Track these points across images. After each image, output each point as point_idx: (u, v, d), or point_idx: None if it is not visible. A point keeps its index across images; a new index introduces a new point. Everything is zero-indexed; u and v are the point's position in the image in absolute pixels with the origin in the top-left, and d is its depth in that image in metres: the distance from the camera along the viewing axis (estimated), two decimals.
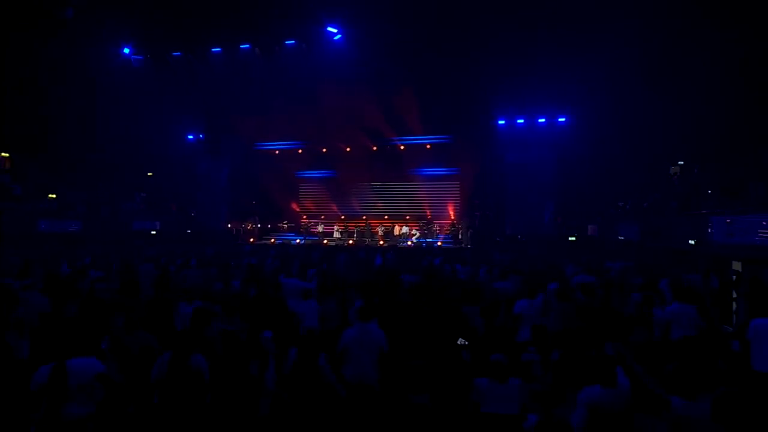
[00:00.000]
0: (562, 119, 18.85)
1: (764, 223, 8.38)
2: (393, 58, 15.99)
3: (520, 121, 19.26)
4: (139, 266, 10.48)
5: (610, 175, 18.08)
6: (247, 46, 16.50)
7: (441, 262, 12.22)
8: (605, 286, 7.97)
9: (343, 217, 21.70)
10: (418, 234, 19.67)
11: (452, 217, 21.12)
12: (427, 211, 21.34)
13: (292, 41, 16.01)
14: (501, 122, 19.38)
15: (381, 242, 18.68)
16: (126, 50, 17.21)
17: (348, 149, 20.74)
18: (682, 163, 17.51)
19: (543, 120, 19.06)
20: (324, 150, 21.00)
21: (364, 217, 20.89)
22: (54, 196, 17.14)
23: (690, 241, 10.77)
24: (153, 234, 17.87)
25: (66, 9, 13.43)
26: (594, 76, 16.48)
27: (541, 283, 7.95)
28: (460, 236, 18.84)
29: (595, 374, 3.48)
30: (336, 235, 19.68)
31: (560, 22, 16.17)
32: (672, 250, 11.44)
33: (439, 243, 18.78)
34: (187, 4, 14.54)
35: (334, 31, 15.56)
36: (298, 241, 19.23)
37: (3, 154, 16.99)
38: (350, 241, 18.92)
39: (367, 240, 19.05)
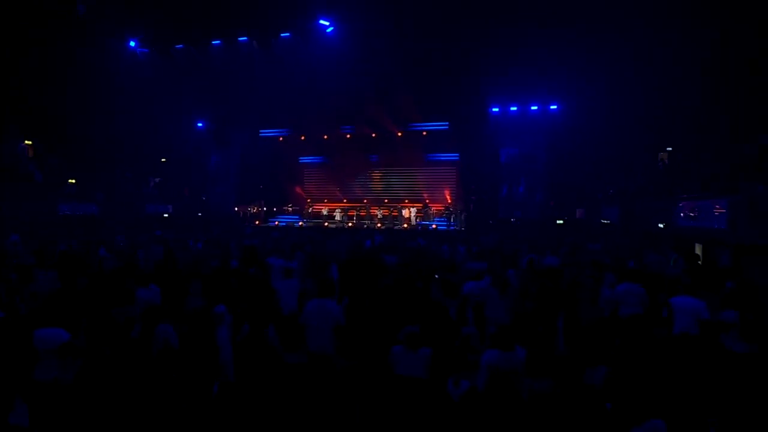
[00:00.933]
0: (554, 107, 19.04)
1: (717, 207, 8.72)
2: (386, 49, 16.31)
3: (514, 108, 19.49)
4: (152, 246, 11.29)
5: (600, 160, 18.33)
6: (245, 39, 16.99)
7: (427, 244, 12.79)
8: (566, 267, 8.47)
9: (345, 201, 22.25)
10: (419, 217, 20.14)
11: (449, 201, 21.53)
12: (425, 195, 21.76)
13: (287, 34, 16.45)
14: (495, 110, 19.63)
15: (378, 225, 19.19)
16: (132, 44, 17.87)
17: (348, 136, 21.23)
18: (670, 149, 17.65)
19: (535, 108, 19.27)
20: (325, 137, 21.49)
21: (365, 201, 21.42)
22: (73, 181, 18.03)
23: (659, 225, 11.14)
24: (165, 217, 18.67)
25: (78, 6, 14.01)
26: (585, 65, 16.71)
27: (505, 265, 8.52)
28: (452, 219, 19.27)
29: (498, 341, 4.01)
30: (337, 218, 20.26)
31: (552, 12, 16.29)
32: (644, 232, 11.81)
33: (434, 226, 19.24)
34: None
35: (326, 24, 15.95)
36: (300, 223, 19.88)
37: (27, 142, 17.87)
38: (350, 224, 19.51)
39: (366, 223, 19.59)
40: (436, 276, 7.62)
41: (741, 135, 12.78)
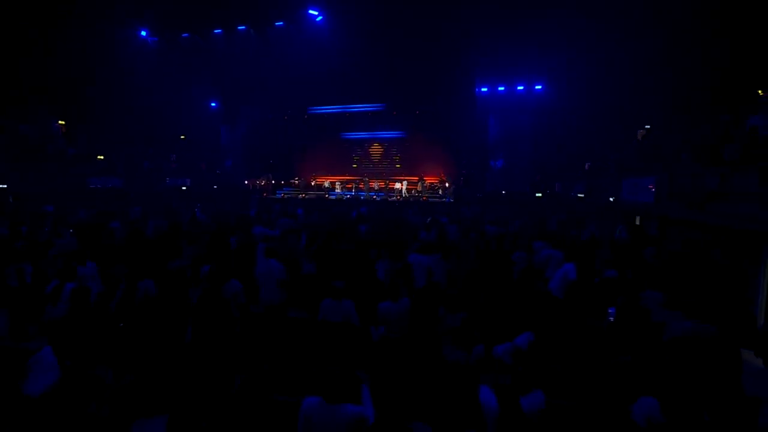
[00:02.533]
0: (539, 87, 19.40)
1: (650, 186, 9.42)
2: (376, 34, 16.93)
3: (501, 88, 19.96)
4: (161, 217, 12.51)
5: (580, 137, 18.73)
6: (243, 27, 17.89)
7: (403, 215, 13.80)
8: (505, 236, 9.38)
9: (346, 175, 23.22)
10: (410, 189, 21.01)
11: (442, 176, 22.28)
12: (421, 169, 22.54)
13: (281, 23, 17.23)
14: (484, 89, 20.10)
15: (375, 197, 20.14)
16: (143, 33, 19.01)
17: (348, 114, 22.01)
18: (648, 126, 17.94)
19: (521, 88, 19.67)
20: (326, 115, 22.32)
21: (364, 176, 22.35)
22: (101, 157, 19.42)
23: (610, 198, 11.85)
24: (183, 189, 19.98)
25: None
26: (567, 46, 17.01)
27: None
28: (441, 192, 20.11)
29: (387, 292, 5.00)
30: (337, 190, 21.28)
31: None
32: (603, 204, 12.51)
33: (424, 197, 20.11)
34: None
35: (315, 13, 16.65)
36: (302, 195, 20.98)
37: (60, 122, 19.26)
38: (348, 197, 20.53)
39: (364, 195, 20.55)
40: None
41: (706, 114, 13.18)
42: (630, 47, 16.44)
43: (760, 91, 11.49)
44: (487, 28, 17.32)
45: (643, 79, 16.59)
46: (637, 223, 10.57)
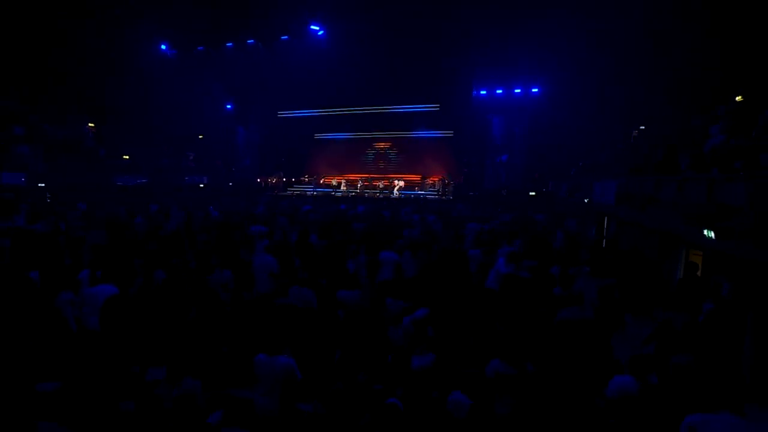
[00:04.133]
0: (535, 90, 20.10)
1: (613, 187, 10.23)
2: (376, 45, 17.99)
3: (499, 91, 20.70)
4: (177, 213, 13.76)
5: (572, 139, 19.37)
6: (252, 41, 19.24)
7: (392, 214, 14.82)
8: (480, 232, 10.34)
9: (354, 176, 24.29)
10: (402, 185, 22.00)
11: (443, 174, 23.15)
12: (422, 168, 23.47)
13: (286, 37, 18.52)
14: (483, 92, 20.89)
15: (378, 195, 21.18)
16: (163, 47, 20.47)
17: (351, 116, 23.11)
18: (642, 127, 18.50)
19: (518, 91, 20.40)
20: (336, 113, 23.45)
21: (368, 174, 23.42)
22: (127, 156, 20.92)
23: (585, 200, 12.67)
24: (201, 186, 21.39)
25: None
26: (562, 52, 17.72)
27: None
28: (439, 190, 21.06)
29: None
30: (342, 188, 22.41)
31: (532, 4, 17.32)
32: (574, 203, 13.33)
33: (422, 195, 21.07)
34: (203, 10, 17.46)
35: (317, 29, 17.85)
36: (313, 193, 22.18)
37: (90, 125, 20.83)
38: (353, 194, 21.63)
39: (367, 193, 21.63)
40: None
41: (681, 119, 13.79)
42: (620, 55, 17.10)
43: (738, 98, 12.10)
44: (487, 36, 18.15)
45: (631, 84, 17.18)
46: (605, 224, 11.40)
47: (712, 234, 4.98)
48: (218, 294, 5.90)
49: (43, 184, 15.38)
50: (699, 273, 6.50)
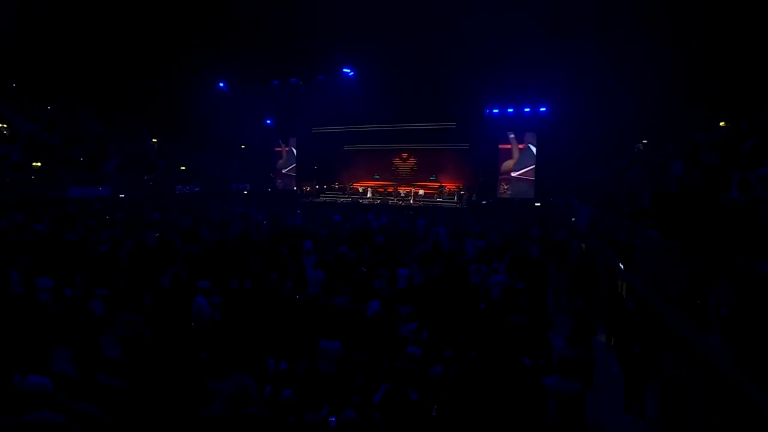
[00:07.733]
0: (543, 109, 21.74)
1: (589, 212, 12.05)
2: (404, 71, 20.33)
3: (510, 110, 22.42)
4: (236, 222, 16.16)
5: (578, 154, 20.91)
6: (294, 80, 22.23)
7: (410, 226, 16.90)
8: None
9: (378, 184, 26.37)
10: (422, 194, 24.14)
11: (460, 184, 25.02)
12: (441, 178, 25.42)
13: (323, 76, 21.33)
14: (495, 111, 22.69)
15: (401, 203, 23.22)
16: (221, 84, 23.55)
17: (379, 131, 25.27)
18: (645, 141, 19.84)
19: (528, 109, 22.07)
20: (361, 132, 25.68)
21: (394, 185, 25.51)
22: (184, 168, 23.71)
23: (572, 218, 14.47)
24: (245, 193, 24.03)
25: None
26: (567, 75, 19.29)
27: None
28: (455, 198, 23.02)
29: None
30: (368, 195, 24.57)
31: (541, 27, 18.91)
32: (567, 221, 15.16)
33: (440, 201, 23.09)
34: (254, 56, 20.35)
35: (348, 71, 20.48)
36: (342, 200, 24.41)
37: (153, 140, 23.76)
38: (378, 201, 23.72)
39: (392, 200, 23.68)
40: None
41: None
42: (623, 76, 18.45)
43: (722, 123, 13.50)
44: (497, 63, 19.96)
45: (634, 101, 18.47)
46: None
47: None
48: (286, 296, 8.30)
49: (123, 195, 18.03)
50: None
